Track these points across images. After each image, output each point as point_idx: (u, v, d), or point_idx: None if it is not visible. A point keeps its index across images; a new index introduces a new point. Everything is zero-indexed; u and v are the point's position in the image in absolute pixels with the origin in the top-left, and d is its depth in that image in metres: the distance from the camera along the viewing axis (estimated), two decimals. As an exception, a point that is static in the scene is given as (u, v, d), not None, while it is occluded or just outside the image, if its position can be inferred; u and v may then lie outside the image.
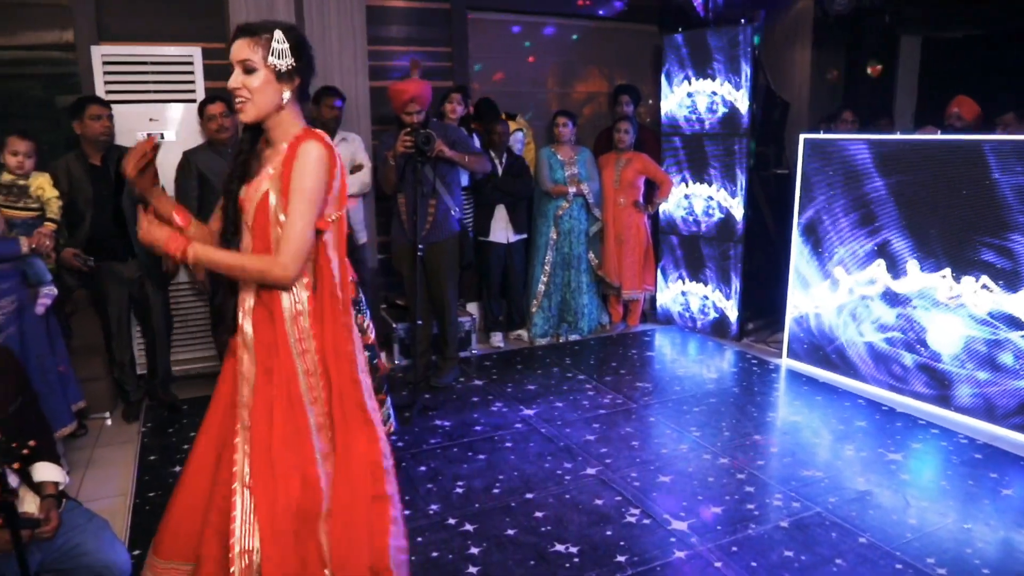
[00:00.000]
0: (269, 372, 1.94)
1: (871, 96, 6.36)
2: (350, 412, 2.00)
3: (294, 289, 1.93)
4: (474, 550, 2.82)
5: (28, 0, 4.32)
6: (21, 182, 3.40)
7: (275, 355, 1.94)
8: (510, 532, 2.93)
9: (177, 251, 1.84)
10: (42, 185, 3.44)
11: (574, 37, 6.20)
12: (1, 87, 4.55)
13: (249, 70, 1.85)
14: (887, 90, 6.48)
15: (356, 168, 4.44)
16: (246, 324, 1.97)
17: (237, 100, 1.89)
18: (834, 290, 4.66)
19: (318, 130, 1.95)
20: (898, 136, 4.33)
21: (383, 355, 5.02)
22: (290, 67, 1.86)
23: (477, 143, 4.73)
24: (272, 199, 1.88)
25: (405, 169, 4.16)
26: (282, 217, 1.87)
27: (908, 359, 4.28)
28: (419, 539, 2.89)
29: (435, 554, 2.79)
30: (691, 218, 5.63)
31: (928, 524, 2.97)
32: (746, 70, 5.10)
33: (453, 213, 4.40)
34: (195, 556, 2.05)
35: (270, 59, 1.84)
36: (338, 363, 1.97)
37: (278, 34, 1.85)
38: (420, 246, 4.14)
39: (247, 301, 1.98)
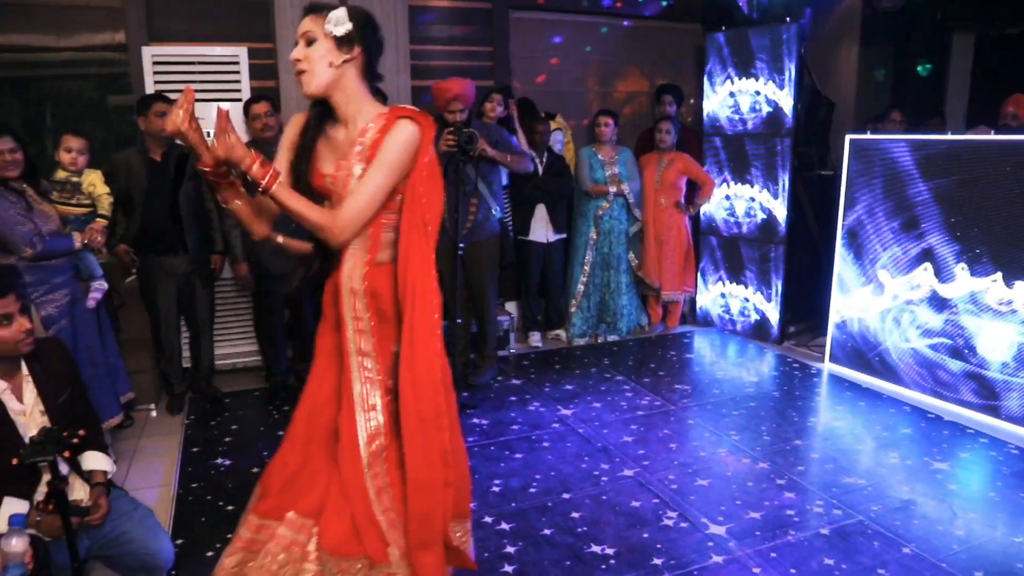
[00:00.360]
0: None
1: (921, 95, 6.22)
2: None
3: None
4: (510, 549, 2.82)
5: (83, 3, 4.44)
6: (74, 179, 3.50)
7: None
8: (546, 532, 2.93)
9: (263, 176, 1.78)
10: (94, 182, 3.53)
11: (612, 35, 6.16)
12: (56, 87, 4.68)
13: (310, 41, 1.86)
14: (938, 89, 6.32)
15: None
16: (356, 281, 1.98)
17: (298, 73, 1.89)
18: (878, 294, 4.56)
19: (411, 107, 1.95)
20: (949, 136, 4.22)
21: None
22: (348, 33, 1.85)
23: (518, 142, 4.73)
24: (356, 173, 1.90)
25: (447, 168, 4.18)
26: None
27: (955, 366, 4.17)
28: (457, 534, 2.90)
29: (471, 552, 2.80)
30: (732, 219, 5.56)
31: (976, 536, 2.89)
32: (790, 69, 5.01)
33: (494, 213, 4.41)
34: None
35: (327, 26, 1.84)
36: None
37: (339, 8, 1.86)
38: (461, 245, 4.16)
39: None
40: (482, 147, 4.05)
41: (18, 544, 1.58)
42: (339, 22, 1.83)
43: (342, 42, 1.85)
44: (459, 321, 4.40)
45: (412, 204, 1.93)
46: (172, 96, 4.02)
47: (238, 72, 4.48)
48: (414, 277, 1.93)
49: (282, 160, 2.01)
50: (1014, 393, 3.90)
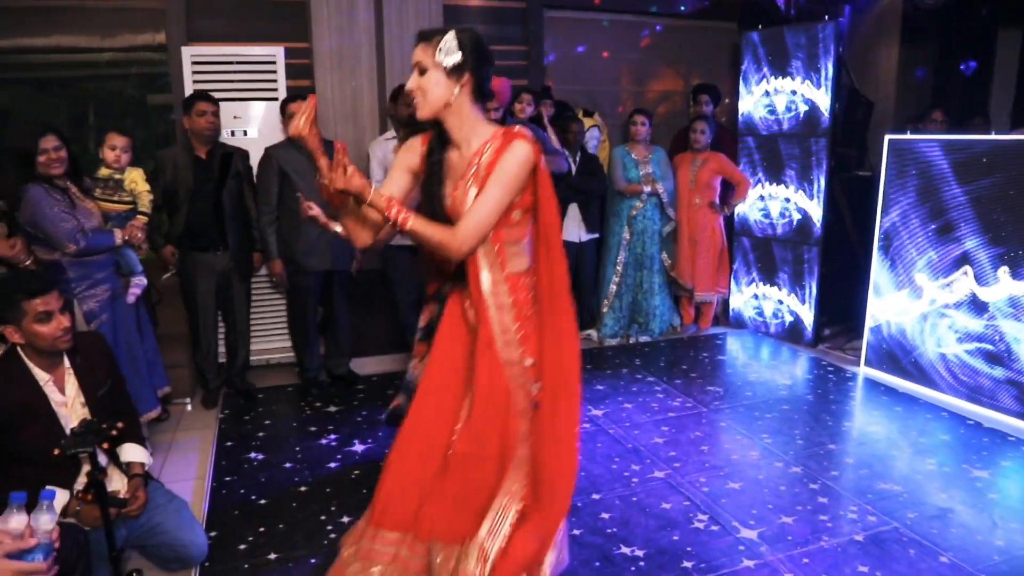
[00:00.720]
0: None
1: (963, 94, 6.07)
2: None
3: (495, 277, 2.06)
4: (538, 548, 2.82)
5: (125, 5, 4.53)
6: (117, 176, 3.58)
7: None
8: (576, 532, 2.92)
9: (396, 214, 1.91)
10: (135, 179, 3.61)
11: (647, 33, 6.13)
12: (99, 87, 4.79)
13: (422, 71, 1.97)
14: (982, 88, 6.17)
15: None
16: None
17: (414, 100, 2.01)
18: (916, 297, 4.47)
19: (522, 128, 2.05)
20: (992, 136, 4.12)
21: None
22: (457, 64, 1.94)
23: (551, 142, 4.72)
24: (471, 194, 1.99)
25: None
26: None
27: (997, 372, 4.07)
28: (484, 535, 2.91)
29: (500, 550, 2.80)
30: (766, 220, 5.50)
31: (1018, 547, 2.82)
32: (828, 68, 4.94)
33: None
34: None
35: (437, 57, 1.93)
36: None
37: (448, 35, 1.94)
38: None
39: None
40: None
41: (47, 521, 1.61)
42: (448, 53, 1.93)
43: (452, 71, 1.95)
44: None
45: (541, 218, 2.05)
46: (215, 95, 4.10)
47: (275, 72, 4.54)
48: (552, 285, 2.06)
49: (394, 181, 2.14)
50: (1058, 400, 3.80)
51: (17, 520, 1.57)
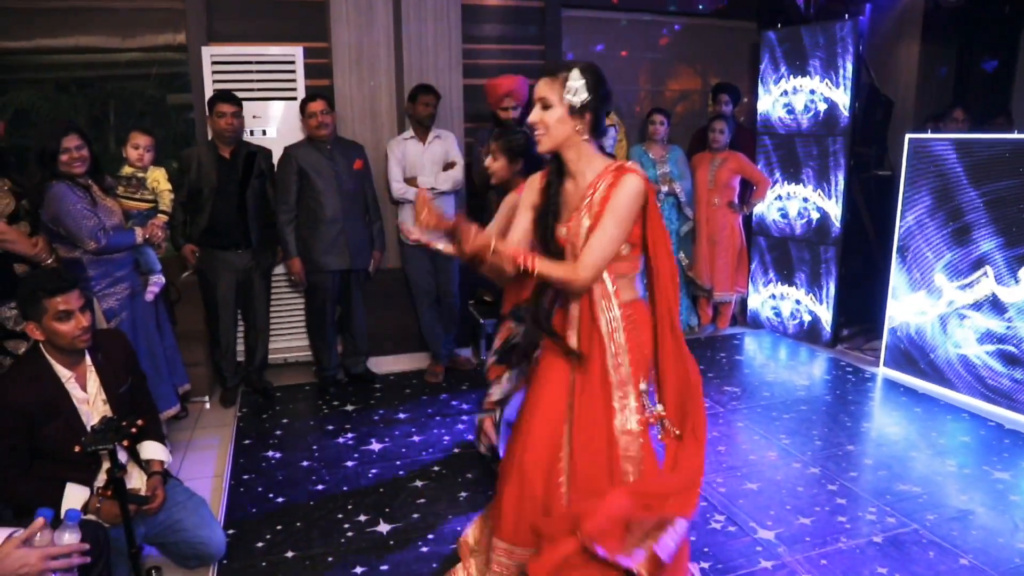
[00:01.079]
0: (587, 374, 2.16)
1: (985, 93, 6.00)
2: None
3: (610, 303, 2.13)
4: (555, 548, 2.81)
5: (146, 5, 4.57)
6: (140, 175, 3.61)
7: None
8: (591, 532, 2.91)
9: (526, 262, 1.98)
10: (157, 178, 3.65)
11: (665, 32, 6.10)
12: (119, 86, 4.83)
13: (546, 106, 2.04)
14: (1004, 87, 6.10)
15: (449, 165, 4.50)
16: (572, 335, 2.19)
17: (536, 132, 2.08)
18: (936, 298, 4.42)
19: (630, 164, 2.11)
20: (1014, 136, 4.07)
21: (469, 350, 5.10)
22: (583, 103, 2.01)
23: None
24: (585, 225, 2.06)
25: None
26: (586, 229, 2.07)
27: (1018, 373, 4.02)
28: (500, 533, 2.91)
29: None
30: (784, 220, 5.46)
31: (1038, 549, 2.79)
32: (847, 67, 4.90)
33: None
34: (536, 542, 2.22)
35: (565, 96, 2.01)
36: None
37: (574, 73, 2.01)
38: None
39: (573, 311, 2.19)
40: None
41: (70, 539, 1.66)
42: (576, 93, 2.00)
43: (575, 110, 2.02)
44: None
45: (652, 250, 2.12)
46: (238, 94, 4.14)
47: (294, 71, 4.56)
48: (670, 312, 2.15)
49: (520, 222, 2.23)
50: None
51: (41, 537, 1.63)
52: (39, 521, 1.66)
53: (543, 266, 2.01)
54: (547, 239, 2.15)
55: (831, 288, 5.19)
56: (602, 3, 5.76)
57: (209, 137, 4.14)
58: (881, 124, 5.97)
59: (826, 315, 5.25)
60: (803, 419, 4.02)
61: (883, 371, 4.78)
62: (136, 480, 2.50)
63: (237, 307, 4.31)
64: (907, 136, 4.58)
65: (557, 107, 2.02)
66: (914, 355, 4.59)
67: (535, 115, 2.06)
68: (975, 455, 3.60)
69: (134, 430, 2.18)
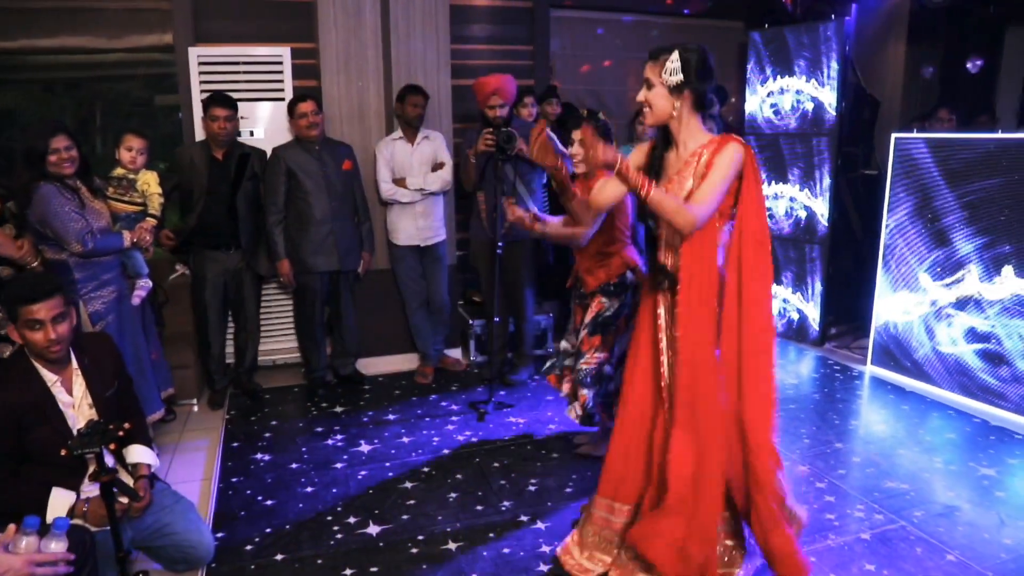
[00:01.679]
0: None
1: (970, 93, 6.05)
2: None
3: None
4: (546, 548, 2.82)
5: (132, 6, 4.55)
6: (131, 176, 3.59)
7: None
8: (581, 532, 2.92)
9: (642, 183, 2.20)
10: (148, 181, 3.62)
11: (653, 32, 6.11)
12: (106, 87, 4.81)
13: (650, 85, 2.29)
14: (988, 87, 6.15)
15: (437, 166, 4.50)
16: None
17: (644, 110, 2.35)
18: (923, 296, 4.46)
19: (735, 135, 2.35)
20: (998, 135, 4.10)
21: (459, 351, 5.09)
22: (679, 82, 2.24)
23: (558, 144, 4.70)
24: (687, 187, 2.29)
25: (486, 167, 4.20)
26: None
27: (1003, 370, 4.06)
28: (491, 535, 2.92)
29: (507, 550, 2.81)
30: (771, 219, 5.48)
31: (1024, 545, 2.82)
32: (834, 67, 4.92)
33: (532, 209, 4.40)
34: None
35: (663, 75, 2.25)
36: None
37: (673, 55, 2.23)
38: (499, 244, 4.17)
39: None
40: (520, 147, 4.05)
41: (57, 547, 1.66)
42: (672, 73, 2.24)
43: (674, 89, 2.26)
44: (496, 320, 4.41)
45: (744, 216, 2.31)
46: (231, 95, 4.12)
47: (281, 72, 4.55)
48: (751, 282, 2.34)
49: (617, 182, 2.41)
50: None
51: (27, 544, 1.62)
52: (10, 529, 1.66)
53: (658, 194, 2.22)
54: (642, 199, 2.33)
55: (818, 287, 5.22)
56: (591, 3, 5.76)
57: (198, 138, 4.12)
58: (868, 124, 6.00)
59: (814, 314, 5.28)
60: (792, 417, 4.04)
61: (871, 369, 4.81)
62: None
63: (226, 308, 4.29)
64: (893, 136, 4.61)
65: (658, 86, 2.27)
66: (900, 353, 4.63)
67: (642, 94, 2.32)
68: (961, 452, 3.62)
69: (121, 433, 2.16)
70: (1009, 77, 6.18)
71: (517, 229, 4.33)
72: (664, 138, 2.41)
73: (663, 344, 2.48)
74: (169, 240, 3.99)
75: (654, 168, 2.41)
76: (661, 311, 2.48)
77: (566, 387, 3.47)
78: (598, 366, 3.30)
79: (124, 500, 2.33)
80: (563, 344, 3.54)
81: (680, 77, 2.23)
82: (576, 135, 3.30)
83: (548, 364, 3.63)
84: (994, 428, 3.90)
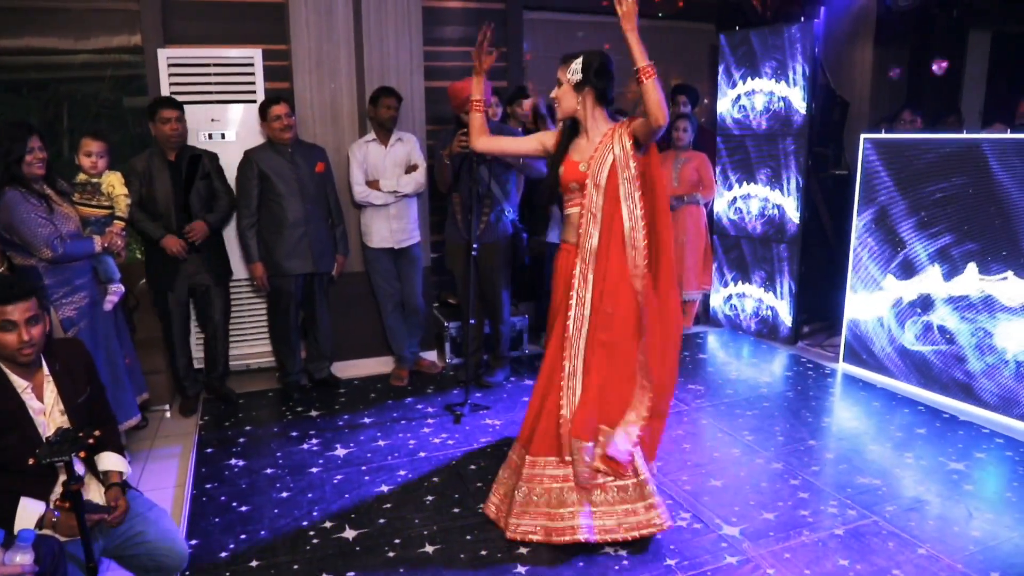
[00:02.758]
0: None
1: (936, 94, 6.16)
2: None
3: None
4: (522, 549, 2.82)
5: (100, 6, 4.48)
6: (95, 180, 3.54)
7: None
8: (558, 532, 2.93)
9: (648, 67, 2.65)
10: (113, 183, 3.57)
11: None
12: (73, 89, 4.73)
13: (559, 84, 2.79)
14: (953, 88, 6.27)
15: (411, 168, 4.49)
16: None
17: (554, 104, 2.84)
18: (893, 294, 4.53)
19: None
20: (964, 135, 4.18)
21: (434, 354, 5.08)
22: (579, 81, 2.73)
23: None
24: (608, 161, 2.74)
25: (460, 168, 4.20)
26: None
27: (971, 366, 4.14)
28: (468, 537, 2.91)
29: (484, 552, 2.81)
30: (745, 219, 5.54)
31: (993, 537, 2.87)
32: (804, 68, 4.99)
33: (507, 214, 4.42)
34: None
35: (567, 75, 2.75)
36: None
37: (577, 59, 2.74)
38: (475, 245, 4.17)
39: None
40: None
41: (22, 560, 1.63)
42: (573, 73, 2.74)
43: (576, 86, 2.75)
44: (472, 322, 4.41)
45: (649, 173, 2.79)
46: (193, 97, 4.07)
47: (253, 74, 4.51)
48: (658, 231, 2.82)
49: (531, 142, 3.07)
50: (1031, 394, 3.87)
51: None
52: None
53: (655, 82, 2.63)
54: (554, 175, 2.87)
55: (791, 286, 5.28)
56: (564, 5, 5.78)
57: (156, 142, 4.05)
58: (838, 124, 6.09)
59: (787, 313, 5.34)
60: (766, 415, 4.08)
61: (842, 367, 4.88)
62: (93, 493, 2.44)
63: (190, 314, 4.24)
64: (862, 136, 4.68)
65: (565, 85, 2.76)
66: (871, 350, 4.70)
67: (554, 92, 2.82)
68: (931, 447, 3.69)
69: (91, 441, 2.12)
70: (972, 79, 6.31)
71: (492, 230, 4.34)
72: (573, 127, 2.86)
73: (572, 301, 2.81)
74: (123, 232, 3.87)
75: (563, 151, 2.86)
76: (576, 273, 2.81)
77: None
78: None
79: (96, 516, 2.28)
80: None
81: (579, 76, 2.72)
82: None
83: None
84: (962, 423, 3.98)
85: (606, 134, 2.75)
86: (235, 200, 4.20)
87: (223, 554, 2.82)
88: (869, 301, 4.70)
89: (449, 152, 4.15)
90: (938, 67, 5.90)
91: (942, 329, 4.27)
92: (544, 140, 2.99)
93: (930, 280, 4.31)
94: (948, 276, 4.21)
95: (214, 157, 4.17)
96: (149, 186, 3.92)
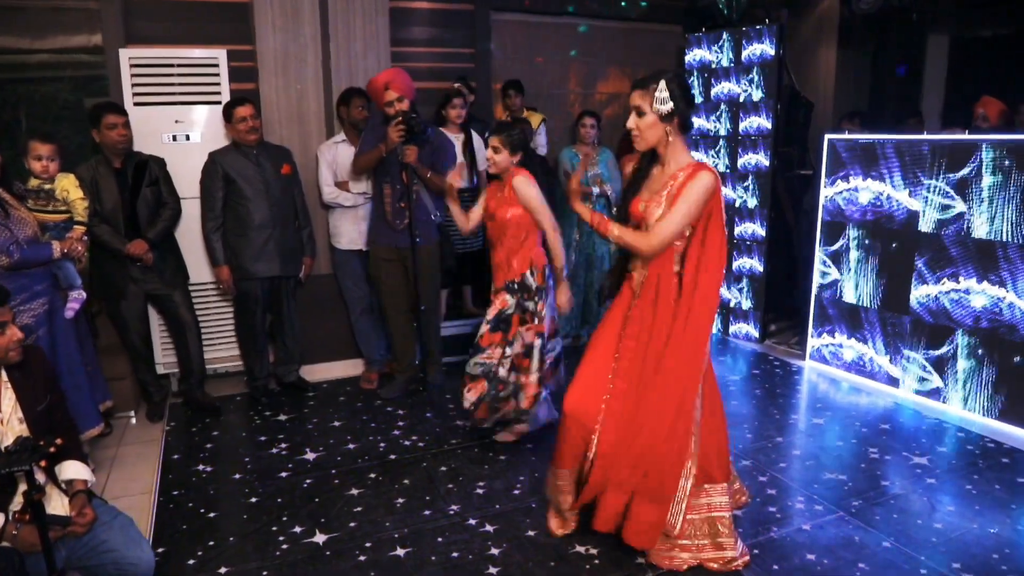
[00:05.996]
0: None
1: (898, 96, 6.29)
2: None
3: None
4: (494, 551, 2.82)
5: (58, 4, 4.39)
6: (47, 186, 3.44)
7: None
8: (530, 533, 2.93)
9: (602, 226, 2.60)
10: (67, 187, 3.47)
11: (594, 36, 6.18)
12: (31, 90, 4.62)
13: (640, 113, 2.46)
14: (914, 90, 6.40)
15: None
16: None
17: (633, 135, 2.52)
18: (858, 292, 4.61)
19: (707, 162, 2.53)
20: (923, 136, 4.27)
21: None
22: (670, 111, 2.42)
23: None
24: (658, 212, 2.48)
25: (388, 158, 4.04)
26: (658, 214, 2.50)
27: (930, 360, 4.22)
28: (439, 539, 2.90)
29: (455, 554, 2.80)
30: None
31: (954, 529, 2.93)
32: (769, 70, 5.05)
33: (433, 218, 4.27)
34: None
35: (655, 105, 2.42)
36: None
37: (661, 84, 2.40)
38: (417, 239, 4.08)
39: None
40: (412, 156, 3.95)
41: None
42: (663, 102, 2.41)
43: (664, 117, 2.43)
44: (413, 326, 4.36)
45: (709, 236, 2.49)
46: (156, 99, 3.98)
47: (217, 74, 4.44)
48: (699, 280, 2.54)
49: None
50: (990, 389, 3.96)
51: None
52: None
53: (617, 230, 2.56)
54: (625, 208, 2.64)
55: (758, 285, 5.34)
56: (532, 7, 5.79)
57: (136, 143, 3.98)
58: (802, 125, 6.18)
59: (755, 312, 5.40)
60: (734, 413, 4.12)
61: (809, 364, 4.95)
62: (56, 502, 2.39)
63: (148, 319, 4.20)
64: (826, 136, 4.75)
65: (649, 114, 2.44)
66: (842, 346, 4.77)
67: (631, 122, 2.49)
68: (896, 442, 3.75)
69: (52, 449, 2.08)
70: (932, 81, 6.44)
71: (427, 229, 4.20)
72: (652, 155, 2.58)
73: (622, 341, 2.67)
74: (83, 237, 3.79)
75: (639, 181, 2.63)
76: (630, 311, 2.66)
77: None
78: (498, 362, 3.52)
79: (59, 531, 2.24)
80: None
81: (671, 106, 2.41)
82: (493, 142, 3.47)
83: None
84: (925, 418, 4.06)
85: (675, 173, 2.49)
86: (180, 207, 4.11)
87: (191, 561, 2.78)
88: (835, 300, 4.77)
89: (387, 145, 3.98)
90: (900, 69, 6.02)
91: (906, 326, 4.35)
92: (626, 174, 2.89)
93: (895, 278, 4.39)
94: (913, 272, 4.29)
95: (162, 162, 4.09)
96: (96, 195, 3.81)
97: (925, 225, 4.18)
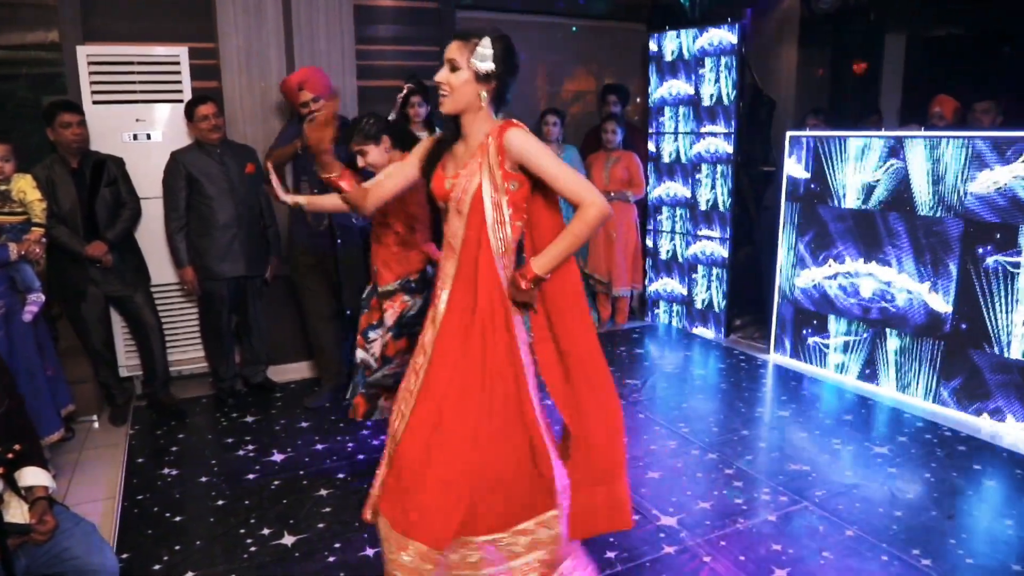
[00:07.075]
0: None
1: (857, 94, 6.40)
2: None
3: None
4: (464, 548, 2.82)
5: (13, 0, 4.29)
6: (3, 187, 3.35)
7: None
8: (500, 530, 2.94)
9: (529, 278, 2.09)
10: (23, 188, 3.39)
11: (559, 34, 6.21)
12: (-15, 88, 4.52)
13: (454, 68, 2.03)
14: (873, 88, 6.52)
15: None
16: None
17: (440, 93, 2.07)
18: (819, 285, 4.69)
19: (513, 120, 2.10)
20: (882, 132, 4.36)
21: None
22: (489, 71, 2.02)
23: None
24: (487, 190, 2.06)
25: (304, 153, 3.92)
26: (505, 207, 2.09)
27: (888, 351, 4.32)
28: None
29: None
30: (677, 216, 5.65)
31: (913, 516, 3.00)
32: (732, 68, 5.12)
33: (355, 220, 4.12)
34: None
35: (473, 61, 2.01)
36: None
37: (485, 40, 2.02)
38: (338, 239, 4.02)
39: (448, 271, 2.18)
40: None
41: None
42: (483, 59, 2.01)
43: (482, 77, 2.03)
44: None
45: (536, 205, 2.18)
46: (116, 96, 3.90)
47: (179, 73, 4.37)
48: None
49: (405, 167, 2.25)
50: (943, 377, 4.06)
51: None
52: None
53: (548, 260, 2.09)
54: (429, 191, 2.20)
55: (723, 281, 5.41)
56: (498, 5, 5.79)
57: (94, 142, 3.91)
58: (765, 122, 6.26)
59: (720, 307, 5.48)
60: (700, 407, 4.18)
61: (773, 357, 5.03)
62: (15, 510, 2.34)
63: (110, 321, 4.14)
64: (788, 133, 4.83)
65: (464, 70, 2.03)
66: (805, 338, 4.85)
67: (442, 75, 2.06)
68: (857, 432, 3.83)
69: (11, 455, 2.04)
70: (889, 79, 6.57)
71: (343, 231, 4.07)
72: (455, 129, 2.16)
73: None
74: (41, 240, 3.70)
75: (434, 157, 2.20)
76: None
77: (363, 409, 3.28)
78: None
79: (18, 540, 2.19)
80: (360, 355, 3.26)
81: (491, 67, 2.03)
82: (353, 149, 3.11)
83: (350, 390, 3.33)
84: (886, 408, 4.15)
85: (483, 143, 2.08)
86: (139, 207, 4.06)
87: (157, 566, 2.74)
88: (796, 295, 4.86)
89: (303, 141, 3.81)
90: (859, 68, 6.12)
91: (866, 318, 4.45)
92: (420, 155, 2.26)
93: (854, 271, 4.48)
94: (871, 267, 4.38)
95: (120, 162, 4.03)
96: (52, 196, 3.73)
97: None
